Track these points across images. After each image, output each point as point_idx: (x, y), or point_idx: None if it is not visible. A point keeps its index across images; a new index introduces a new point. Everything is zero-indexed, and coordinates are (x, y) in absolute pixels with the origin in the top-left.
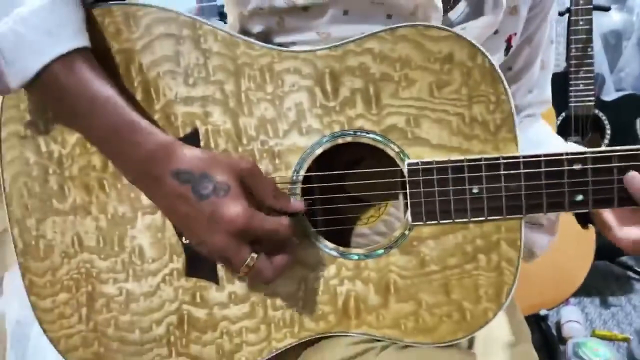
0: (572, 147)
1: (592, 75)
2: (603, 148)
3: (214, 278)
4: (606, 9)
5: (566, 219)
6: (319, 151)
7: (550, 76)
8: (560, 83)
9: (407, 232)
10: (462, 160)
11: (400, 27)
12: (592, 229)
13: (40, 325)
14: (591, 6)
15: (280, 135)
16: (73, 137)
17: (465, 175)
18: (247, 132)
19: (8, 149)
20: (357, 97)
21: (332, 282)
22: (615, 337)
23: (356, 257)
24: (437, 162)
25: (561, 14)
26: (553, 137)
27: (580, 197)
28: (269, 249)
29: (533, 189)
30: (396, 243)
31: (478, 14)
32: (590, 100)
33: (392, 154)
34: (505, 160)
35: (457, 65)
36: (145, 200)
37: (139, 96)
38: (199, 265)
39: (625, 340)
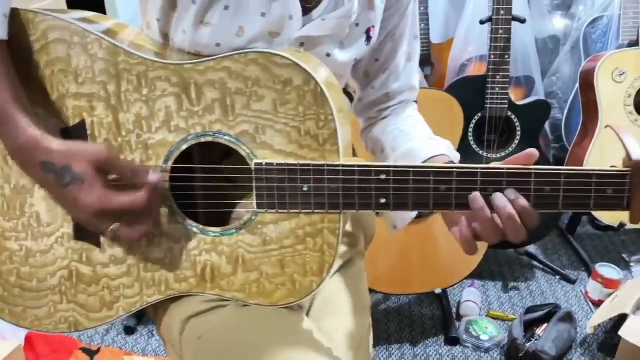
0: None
1: (507, 80)
2: (404, 164)
3: (96, 242)
4: (522, 21)
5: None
6: (184, 146)
7: (416, 66)
8: (480, 85)
9: (253, 217)
10: (296, 164)
11: (251, 51)
12: None
13: None
14: (510, 17)
15: (153, 130)
16: None
17: (298, 176)
18: (125, 125)
19: None
20: (215, 105)
21: (193, 253)
22: (506, 317)
23: (213, 234)
24: (277, 164)
25: (482, 22)
26: (417, 128)
27: (383, 200)
28: (130, 218)
29: (348, 190)
30: (245, 225)
31: (338, 7)
32: (503, 103)
33: (243, 154)
34: (328, 167)
35: (294, 88)
36: None
37: (35, 89)
38: (84, 231)
39: (513, 320)
